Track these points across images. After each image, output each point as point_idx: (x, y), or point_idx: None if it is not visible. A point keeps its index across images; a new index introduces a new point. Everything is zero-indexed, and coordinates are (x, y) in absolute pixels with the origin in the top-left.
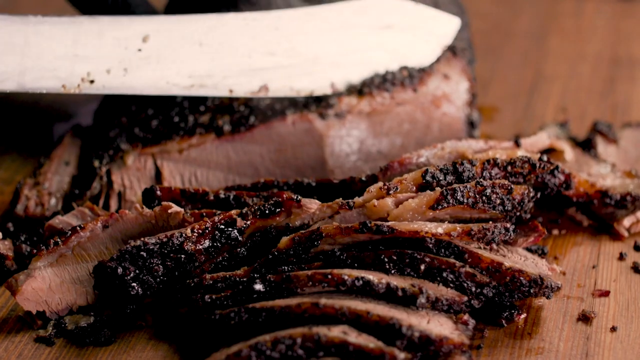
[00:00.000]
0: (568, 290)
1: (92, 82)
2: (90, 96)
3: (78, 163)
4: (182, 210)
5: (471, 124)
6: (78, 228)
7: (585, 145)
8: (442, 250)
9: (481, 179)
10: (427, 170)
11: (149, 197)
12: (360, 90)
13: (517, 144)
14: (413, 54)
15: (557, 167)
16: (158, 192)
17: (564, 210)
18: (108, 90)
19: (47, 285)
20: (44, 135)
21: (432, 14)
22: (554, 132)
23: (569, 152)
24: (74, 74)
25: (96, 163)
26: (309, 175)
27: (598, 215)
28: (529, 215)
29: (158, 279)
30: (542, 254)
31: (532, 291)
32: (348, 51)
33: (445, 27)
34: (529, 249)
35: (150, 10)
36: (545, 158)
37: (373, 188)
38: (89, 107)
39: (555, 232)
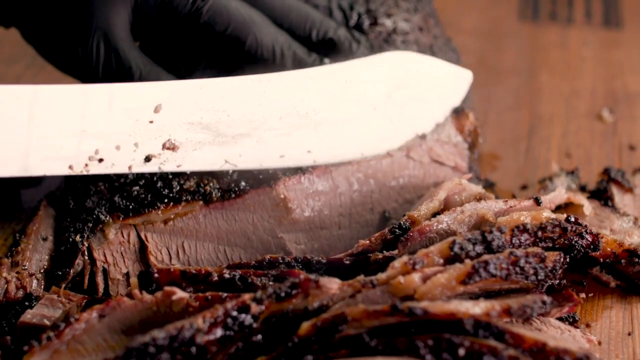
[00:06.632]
0: None
1: (100, 160)
2: None
3: (55, 237)
4: (187, 295)
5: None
6: (72, 319)
7: (601, 196)
8: (480, 331)
9: (511, 246)
10: (454, 241)
11: (145, 281)
12: None
13: (538, 202)
14: (425, 112)
15: (586, 229)
16: (156, 275)
17: (588, 270)
18: (118, 169)
19: None
20: (10, 202)
21: (447, 70)
22: (564, 181)
23: (588, 207)
24: (81, 152)
25: (78, 238)
26: (301, 240)
27: (625, 275)
28: (557, 281)
29: None
30: (574, 322)
31: None
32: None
33: (458, 82)
34: (559, 317)
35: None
36: (573, 219)
37: (397, 263)
38: None
39: (583, 295)
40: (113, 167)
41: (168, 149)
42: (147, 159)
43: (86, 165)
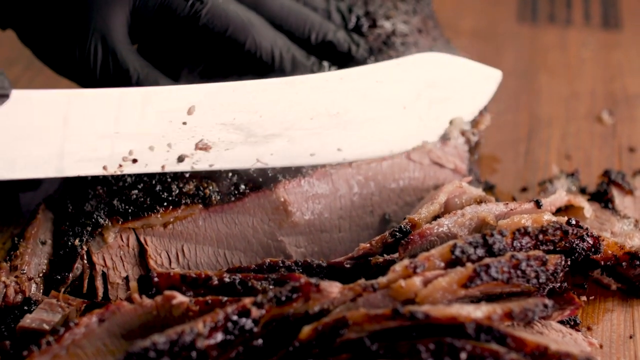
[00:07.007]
0: None
1: (134, 161)
2: None
3: (53, 241)
4: (187, 299)
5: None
6: (72, 324)
7: (601, 198)
8: (482, 335)
9: (512, 250)
10: (455, 244)
11: (145, 285)
12: None
13: (538, 205)
14: (455, 111)
15: (587, 232)
16: (155, 279)
17: (589, 273)
18: (151, 168)
19: None
20: (8, 206)
21: (476, 69)
22: (564, 184)
23: (589, 209)
24: (115, 153)
25: (77, 241)
26: (301, 243)
27: (626, 277)
28: (558, 284)
29: None
30: (575, 325)
31: None
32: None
33: (487, 82)
34: (560, 320)
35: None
36: (574, 222)
37: (398, 267)
38: None
39: (584, 298)
40: (147, 167)
41: (201, 149)
42: (180, 159)
43: (120, 165)
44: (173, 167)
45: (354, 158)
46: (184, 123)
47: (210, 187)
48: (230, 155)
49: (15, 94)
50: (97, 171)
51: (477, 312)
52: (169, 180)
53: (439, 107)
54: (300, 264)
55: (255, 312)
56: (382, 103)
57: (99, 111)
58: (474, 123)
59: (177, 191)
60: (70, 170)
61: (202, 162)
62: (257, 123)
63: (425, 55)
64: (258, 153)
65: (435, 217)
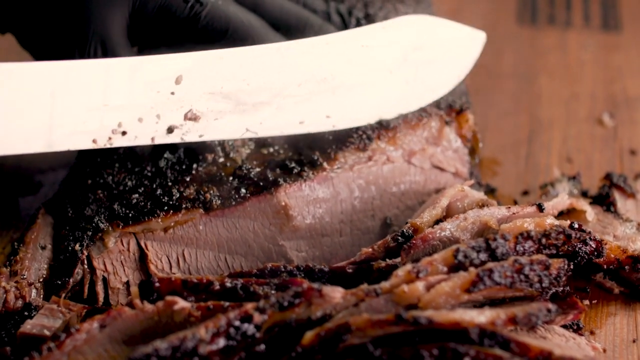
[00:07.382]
0: None
1: (124, 133)
2: (56, 164)
3: (53, 245)
4: (189, 305)
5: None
6: (73, 330)
7: (603, 201)
8: (485, 340)
9: (515, 254)
10: (458, 249)
11: (146, 290)
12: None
13: (541, 209)
14: (440, 74)
15: (589, 235)
16: (157, 284)
17: (591, 277)
18: (141, 141)
19: None
20: (8, 210)
21: (461, 31)
22: (565, 187)
23: (591, 212)
24: (104, 126)
25: (77, 246)
26: (302, 248)
27: (629, 281)
28: (561, 288)
29: None
30: (578, 329)
31: None
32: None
33: (472, 43)
34: (563, 325)
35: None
36: (576, 225)
37: (401, 271)
38: (56, 175)
39: (586, 302)
40: (136, 139)
41: (190, 119)
42: (170, 130)
43: (110, 138)
44: (163, 138)
45: (343, 125)
46: (172, 93)
47: (211, 192)
48: (220, 125)
49: (0, 67)
50: (86, 145)
51: (481, 317)
52: (170, 184)
53: (425, 70)
54: (302, 268)
55: (258, 318)
56: (368, 67)
57: (87, 83)
58: (458, 127)
59: (178, 195)
60: (60, 144)
61: (191, 133)
62: (245, 91)
63: (409, 18)
64: (247, 122)
65: (438, 221)
